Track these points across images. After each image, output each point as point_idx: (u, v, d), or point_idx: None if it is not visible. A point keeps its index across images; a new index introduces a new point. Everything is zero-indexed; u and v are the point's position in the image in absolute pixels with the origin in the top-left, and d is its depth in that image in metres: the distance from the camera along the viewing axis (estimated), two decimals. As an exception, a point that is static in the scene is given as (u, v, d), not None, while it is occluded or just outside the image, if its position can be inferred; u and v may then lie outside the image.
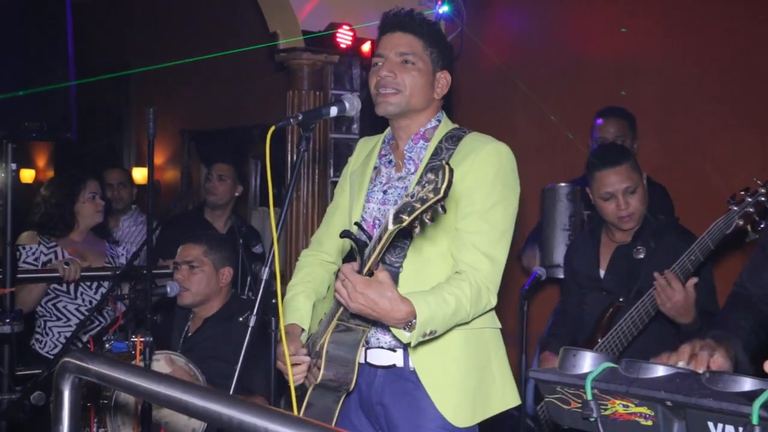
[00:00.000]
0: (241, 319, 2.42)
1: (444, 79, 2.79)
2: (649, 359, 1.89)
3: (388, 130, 2.90)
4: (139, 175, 9.80)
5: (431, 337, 2.49)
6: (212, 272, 3.95)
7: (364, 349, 2.71)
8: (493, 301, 2.63)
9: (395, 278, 2.60)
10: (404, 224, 2.14)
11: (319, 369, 2.60)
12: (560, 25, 5.90)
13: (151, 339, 3.11)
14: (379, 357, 2.72)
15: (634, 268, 3.59)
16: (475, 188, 2.63)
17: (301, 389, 2.71)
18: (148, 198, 3.10)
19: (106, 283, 4.69)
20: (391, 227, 2.18)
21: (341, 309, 2.53)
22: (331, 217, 3.01)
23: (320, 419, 2.62)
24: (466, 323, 2.61)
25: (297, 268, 3.03)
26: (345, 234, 2.38)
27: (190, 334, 3.99)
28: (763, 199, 3.20)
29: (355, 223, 2.59)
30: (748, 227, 3.20)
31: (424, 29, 2.76)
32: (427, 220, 2.13)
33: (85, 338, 4.28)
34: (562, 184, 4.34)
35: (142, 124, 10.22)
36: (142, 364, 3.10)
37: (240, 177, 5.88)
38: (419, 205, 2.10)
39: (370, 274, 2.36)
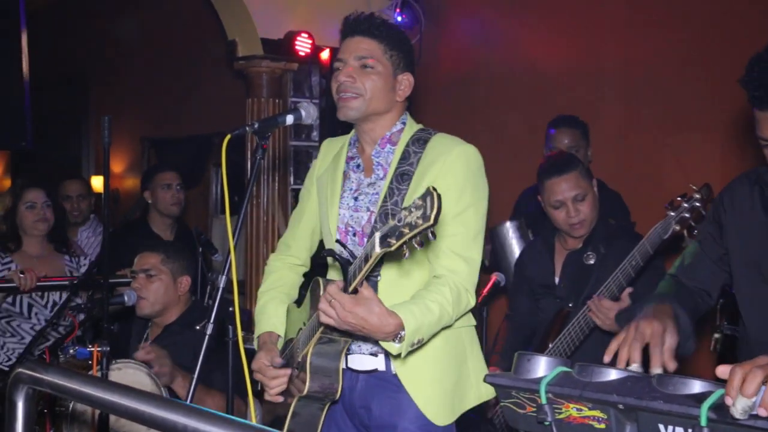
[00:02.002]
0: (198, 327, 2.42)
1: (406, 81, 2.78)
2: (597, 362, 1.92)
3: (353, 132, 2.90)
4: (99, 183, 9.72)
5: (418, 346, 2.50)
6: (170, 281, 3.92)
7: (345, 355, 2.71)
8: (472, 302, 2.66)
9: (374, 288, 2.60)
10: (392, 248, 2.15)
11: (302, 381, 2.61)
12: (518, 32, 5.96)
13: (108, 348, 3.09)
14: (361, 362, 2.74)
15: (585, 273, 3.65)
16: (447, 192, 2.57)
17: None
18: (104, 206, 3.08)
19: (60, 302, 4.59)
20: (378, 250, 2.19)
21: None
22: (298, 220, 3.00)
23: (306, 427, 2.67)
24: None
25: (266, 273, 3.02)
26: (328, 252, 2.41)
27: (149, 343, 3.96)
28: (698, 204, 3.28)
29: (336, 241, 2.60)
30: (685, 232, 3.28)
31: (383, 32, 2.75)
32: (416, 245, 2.13)
33: (41, 350, 4.23)
34: (507, 224, 4.42)
35: (100, 131, 10.13)
36: (99, 374, 3.07)
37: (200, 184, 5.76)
38: (407, 231, 2.10)
39: (355, 291, 2.37)
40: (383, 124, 2.77)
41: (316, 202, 2.92)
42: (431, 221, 2.05)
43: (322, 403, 2.67)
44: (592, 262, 3.63)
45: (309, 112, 2.65)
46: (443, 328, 2.62)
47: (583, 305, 3.51)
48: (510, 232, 4.43)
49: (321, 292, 2.58)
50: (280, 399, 2.69)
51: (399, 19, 6.28)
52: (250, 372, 2.62)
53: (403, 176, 2.69)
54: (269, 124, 2.57)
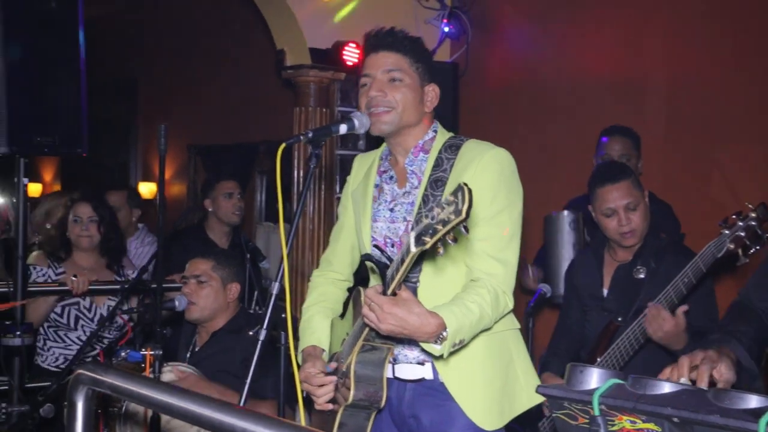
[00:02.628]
0: (251, 332, 2.44)
1: (432, 92, 2.82)
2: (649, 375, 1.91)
3: (384, 146, 2.93)
4: (146, 190, 9.86)
5: (460, 347, 2.52)
6: (220, 287, 3.97)
7: (391, 365, 2.74)
8: (510, 304, 2.67)
9: (413, 293, 2.60)
10: (427, 246, 2.16)
11: (348, 389, 2.63)
12: (564, 43, 5.93)
13: (161, 352, 3.13)
14: (408, 371, 2.75)
15: (634, 287, 3.60)
16: (480, 195, 2.59)
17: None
18: (159, 213, 3.13)
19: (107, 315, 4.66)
20: (413, 249, 2.20)
21: (366, 330, 2.54)
22: (338, 236, 3.03)
23: None
24: (488, 328, 2.65)
25: (309, 288, 3.05)
26: (365, 257, 2.42)
27: (197, 349, 4.01)
28: (753, 223, 3.21)
29: (374, 246, 2.62)
30: (739, 251, 3.22)
31: (407, 45, 2.79)
32: (450, 241, 2.14)
33: (93, 353, 4.30)
34: (565, 213, 4.37)
35: (149, 139, 10.27)
36: (151, 376, 3.12)
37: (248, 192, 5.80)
38: (441, 227, 2.11)
39: (393, 294, 2.38)
40: (415, 135, 2.80)
41: (353, 218, 2.95)
42: (463, 215, 2.06)
43: (368, 412, 2.68)
44: (642, 276, 3.58)
45: (362, 122, 2.66)
46: (484, 332, 2.63)
47: (633, 320, 3.48)
48: (566, 222, 4.38)
49: (362, 301, 2.59)
50: (330, 407, 2.69)
51: (446, 29, 6.30)
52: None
53: (437, 182, 2.71)
54: (323, 134, 2.58)
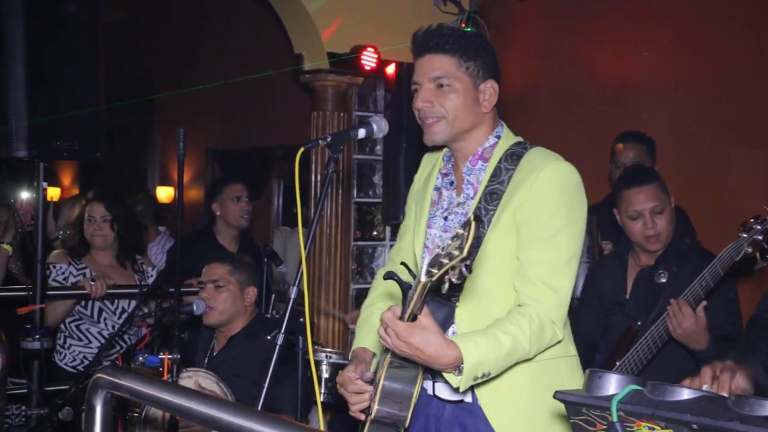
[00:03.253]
0: (269, 337, 2.43)
1: (490, 89, 2.60)
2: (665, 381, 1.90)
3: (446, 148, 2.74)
4: (164, 194, 9.90)
5: (485, 380, 2.36)
6: (237, 291, 3.98)
7: (432, 381, 2.59)
8: (559, 335, 2.46)
9: (450, 314, 2.50)
10: (433, 279, 2.04)
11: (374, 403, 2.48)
12: (582, 48, 5.92)
13: (179, 356, 3.14)
14: (448, 392, 2.56)
15: (655, 292, 3.59)
16: (536, 214, 2.46)
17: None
18: (178, 217, 3.14)
19: (129, 310, 4.68)
20: (423, 279, 2.07)
21: None
22: (402, 235, 2.85)
23: None
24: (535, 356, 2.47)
25: (373, 286, 2.91)
26: (388, 276, 2.27)
27: (215, 354, 4.02)
28: None
29: (402, 263, 2.45)
30: (757, 255, 3.21)
31: (454, 45, 2.55)
32: (454, 280, 2.01)
33: (111, 356, 4.31)
34: None
35: (166, 143, 10.31)
36: (169, 380, 3.12)
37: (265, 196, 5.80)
38: (447, 261, 1.99)
39: (413, 318, 2.23)
40: (475, 140, 2.61)
41: (413, 219, 2.78)
42: (464, 254, 1.93)
43: (396, 429, 2.50)
44: (663, 280, 3.58)
45: (380, 126, 2.62)
46: (531, 359, 2.45)
47: (652, 324, 3.47)
48: None
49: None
50: (362, 417, 2.54)
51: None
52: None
53: (492, 195, 2.52)
54: (342, 138, 2.55)
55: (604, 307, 3.82)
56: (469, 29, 6.18)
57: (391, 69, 6.08)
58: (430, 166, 2.80)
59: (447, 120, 2.55)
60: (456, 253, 1.96)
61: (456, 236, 1.99)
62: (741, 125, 4.97)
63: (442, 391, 2.59)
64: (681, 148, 5.17)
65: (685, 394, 1.82)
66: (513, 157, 2.57)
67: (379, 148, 6.40)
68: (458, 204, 2.62)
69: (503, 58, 6.32)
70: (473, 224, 1.95)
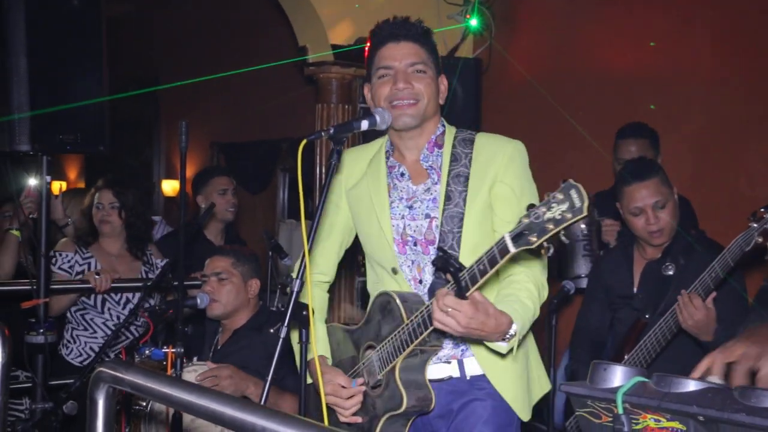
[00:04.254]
0: (272, 330, 2.43)
1: (443, 84, 2.80)
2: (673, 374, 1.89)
3: (384, 142, 2.86)
4: (169, 187, 9.90)
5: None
6: (241, 284, 3.97)
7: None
8: (545, 295, 2.67)
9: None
10: (533, 245, 2.15)
11: (390, 399, 2.60)
12: (587, 38, 5.90)
13: (183, 350, 3.13)
14: (436, 371, 2.71)
15: (663, 285, 3.57)
16: (512, 189, 2.64)
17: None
18: (181, 210, 3.13)
19: (134, 300, 4.70)
20: (513, 249, 2.20)
21: (424, 335, 2.50)
22: (327, 235, 2.91)
23: None
24: None
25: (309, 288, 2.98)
26: (441, 261, 2.34)
27: (219, 347, 4.02)
28: None
29: (438, 248, 2.57)
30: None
31: (426, 37, 2.76)
32: (564, 239, 2.15)
33: (116, 349, 4.32)
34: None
35: (171, 136, 10.31)
36: (173, 374, 3.12)
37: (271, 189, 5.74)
38: (552, 226, 2.11)
39: (463, 296, 2.35)
40: (429, 129, 2.76)
41: (347, 216, 2.88)
42: (584, 212, 2.06)
43: (407, 417, 2.65)
44: (671, 273, 3.56)
45: (384, 118, 2.63)
46: None
47: (660, 317, 3.45)
48: (578, 229, 4.35)
49: (399, 307, 2.57)
50: (359, 419, 2.67)
51: (472, 23, 6.26)
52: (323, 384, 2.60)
53: (458, 177, 2.67)
54: (345, 129, 2.54)
55: (610, 302, 3.80)
56: (473, 20, 6.17)
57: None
58: (362, 162, 2.87)
59: (422, 103, 2.69)
60: (569, 215, 2.08)
61: (554, 201, 2.11)
62: (749, 115, 4.94)
63: (430, 372, 2.70)
64: (688, 138, 5.14)
65: (691, 385, 1.81)
66: (465, 142, 2.74)
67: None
68: (424, 191, 2.73)
69: (508, 48, 6.35)
70: (580, 185, 2.08)
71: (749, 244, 3.23)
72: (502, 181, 2.65)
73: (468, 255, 2.58)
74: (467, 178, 2.66)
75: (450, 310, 2.34)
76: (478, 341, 2.54)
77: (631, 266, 3.74)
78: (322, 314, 2.94)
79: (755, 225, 3.22)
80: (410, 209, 2.73)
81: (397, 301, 2.59)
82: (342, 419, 2.67)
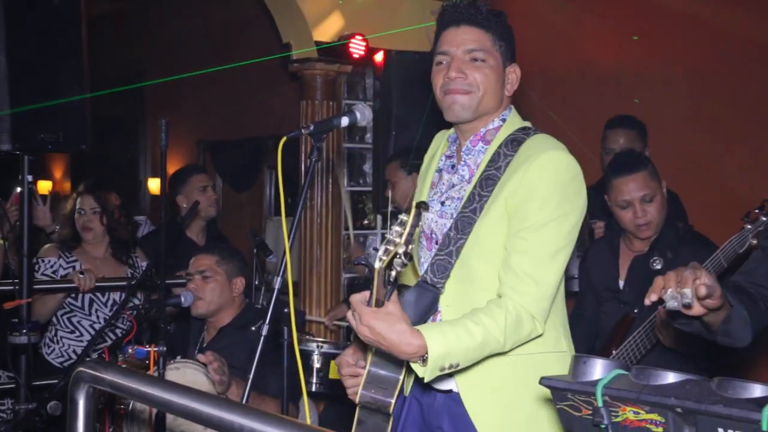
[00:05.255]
0: (253, 328, 2.43)
1: (514, 74, 2.57)
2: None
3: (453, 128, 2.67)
4: (155, 185, 9.88)
5: (455, 370, 2.31)
6: (225, 282, 3.97)
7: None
8: (539, 329, 2.38)
9: (434, 300, 2.45)
10: (383, 266, 2.03)
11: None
12: (576, 33, 5.91)
13: (165, 349, 3.13)
14: (438, 380, 2.44)
15: (651, 279, 3.54)
16: (526, 203, 2.37)
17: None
18: (162, 209, 3.13)
19: (120, 301, 4.67)
20: (376, 265, 2.07)
21: None
22: None
23: None
24: (515, 349, 2.40)
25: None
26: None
27: (204, 344, 4.01)
28: None
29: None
30: None
31: (492, 21, 2.52)
32: (398, 268, 2.00)
33: (99, 349, 4.31)
34: None
35: (157, 134, 10.22)
36: (156, 373, 3.12)
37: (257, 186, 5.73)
38: (392, 248, 1.99)
39: (381, 304, 2.18)
40: (485, 121, 2.54)
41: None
42: (401, 241, 1.93)
43: (384, 414, 2.47)
44: (658, 267, 3.52)
45: (364, 114, 2.60)
46: (511, 352, 2.39)
47: (649, 312, 3.43)
48: None
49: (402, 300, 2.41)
50: (357, 399, 2.49)
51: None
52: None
53: (488, 181, 2.45)
54: (324, 127, 2.53)
55: (596, 294, 3.80)
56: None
57: (379, 57, 6.05)
58: (437, 145, 2.72)
59: (477, 95, 2.48)
60: (397, 240, 1.95)
61: (400, 222, 1.97)
62: (734, 109, 4.95)
63: (434, 380, 2.50)
64: (673, 132, 5.15)
65: (669, 378, 1.82)
66: (514, 142, 2.49)
67: (369, 136, 6.39)
68: (452, 186, 2.55)
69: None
70: (414, 211, 1.94)
71: (743, 246, 3.18)
72: (518, 192, 2.40)
73: (461, 267, 2.45)
74: (496, 183, 2.43)
75: (354, 312, 2.22)
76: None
77: (617, 259, 3.74)
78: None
79: (749, 227, 3.17)
80: (442, 205, 2.55)
81: (404, 294, 2.47)
82: (348, 395, 2.54)
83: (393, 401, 2.39)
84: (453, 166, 2.59)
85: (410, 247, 1.97)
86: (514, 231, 2.39)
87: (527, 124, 2.59)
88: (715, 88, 5.08)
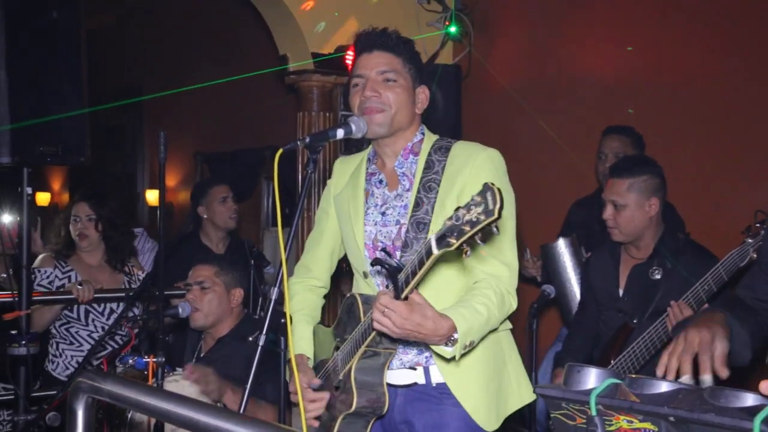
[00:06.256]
0: (250, 338, 2.45)
1: (423, 94, 2.81)
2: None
3: (369, 149, 2.91)
4: (153, 197, 9.89)
5: (470, 348, 2.50)
6: (223, 293, 3.98)
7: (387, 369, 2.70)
8: (514, 305, 2.65)
9: None
10: (452, 247, 2.13)
11: (348, 398, 2.60)
12: (567, 45, 5.93)
13: (164, 359, 3.14)
14: (401, 377, 2.72)
15: (650, 288, 3.55)
16: None
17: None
18: (160, 220, 3.14)
19: (118, 311, 4.69)
20: (436, 251, 2.17)
21: (372, 335, 2.51)
22: (317, 242, 3.00)
23: None
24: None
25: (288, 296, 3.01)
26: (376, 262, 2.36)
27: (202, 355, 4.02)
28: None
29: (382, 249, 2.59)
30: None
31: (400, 46, 2.78)
32: (479, 242, 2.12)
33: (99, 359, 4.31)
34: (560, 241, 4.36)
35: (155, 146, 10.28)
36: (154, 384, 3.13)
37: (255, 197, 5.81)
38: (469, 228, 2.08)
39: (405, 298, 2.34)
40: (405, 137, 2.78)
41: (336, 223, 2.93)
42: (495, 215, 2.04)
43: (366, 419, 2.65)
44: (658, 277, 3.55)
45: (359, 126, 2.65)
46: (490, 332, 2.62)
47: (648, 322, 3.43)
48: (563, 249, 4.39)
49: (360, 308, 2.59)
50: (316, 424, 2.68)
51: (451, 30, 6.30)
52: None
53: (429, 185, 2.69)
54: (320, 139, 2.57)
55: (597, 301, 3.81)
56: (452, 27, 6.20)
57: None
58: (349, 170, 2.96)
59: (389, 112, 2.71)
60: (483, 217, 2.05)
61: (473, 203, 2.08)
62: (727, 120, 4.97)
63: (394, 378, 2.72)
64: (666, 143, 5.17)
65: (663, 387, 1.83)
66: (441, 150, 2.75)
67: (366, 146, 6.40)
68: (396, 197, 2.76)
69: (487, 55, 6.38)
70: (496, 188, 2.05)
71: (744, 259, 3.21)
72: (468, 188, 2.62)
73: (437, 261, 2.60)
74: (438, 185, 2.68)
75: (386, 310, 2.34)
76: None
77: (617, 266, 3.75)
78: (312, 317, 2.96)
79: (750, 240, 3.20)
80: (383, 216, 2.76)
81: (359, 301, 2.61)
82: (306, 422, 2.66)
83: (386, 399, 2.61)
84: (381, 181, 2.81)
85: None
86: None
87: (437, 136, 2.85)
88: (706, 97, 5.11)
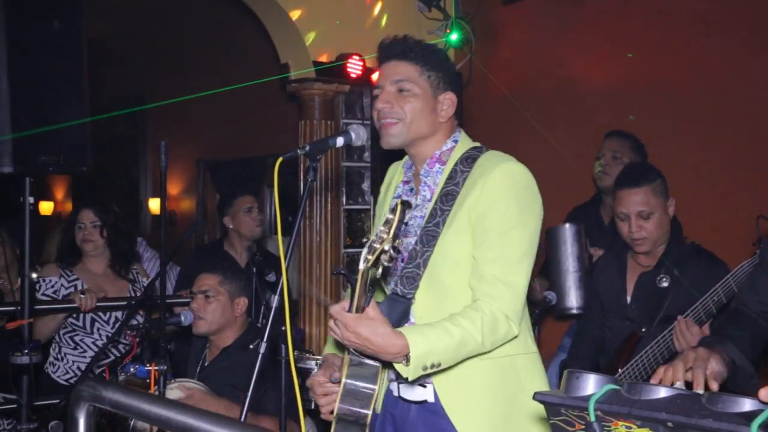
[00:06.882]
0: (252, 346, 2.45)
1: (448, 100, 2.70)
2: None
3: (407, 156, 2.82)
4: (156, 205, 9.90)
5: (436, 370, 2.41)
6: (227, 302, 3.99)
7: (397, 383, 2.65)
8: (515, 330, 2.50)
9: (406, 311, 2.55)
10: (369, 265, 2.12)
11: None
12: (567, 51, 5.95)
13: (165, 367, 3.15)
14: (411, 392, 2.63)
15: (658, 297, 3.53)
16: (488, 213, 2.52)
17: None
18: (162, 228, 3.16)
19: (122, 320, 4.70)
20: (361, 267, 2.16)
21: None
22: None
23: None
24: (488, 353, 2.52)
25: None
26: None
27: (206, 364, 4.03)
28: None
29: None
30: None
31: (418, 53, 2.68)
32: (384, 263, 2.08)
33: (101, 367, 4.32)
34: (567, 225, 4.32)
35: (157, 155, 10.29)
36: (156, 392, 3.13)
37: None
38: (378, 245, 2.08)
39: (361, 311, 2.30)
40: (432, 145, 2.69)
41: None
42: (390, 235, 2.03)
43: (360, 426, 2.53)
44: (665, 285, 3.52)
45: (359, 134, 2.64)
46: (487, 355, 2.51)
47: (656, 330, 3.41)
48: (568, 234, 4.36)
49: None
50: (332, 418, 2.56)
51: (452, 38, 6.31)
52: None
53: (447, 196, 2.60)
54: (320, 147, 2.56)
55: (603, 307, 3.78)
56: (453, 35, 6.21)
57: (376, 76, 6.07)
58: (392, 175, 2.91)
59: (404, 123, 2.64)
60: (384, 236, 2.04)
61: (386, 222, 2.08)
62: (728, 127, 4.98)
63: (407, 392, 2.65)
64: (666, 149, 5.18)
65: (661, 392, 1.83)
66: (468, 160, 2.65)
67: (367, 155, 6.42)
68: (416, 206, 2.68)
69: (487, 62, 6.40)
70: (399, 207, 2.04)
71: None
72: (479, 204, 2.54)
73: (429, 277, 2.57)
74: (455, 198, 2.59)
75: (336, 320, 2.32)
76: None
77: (624, 273, 3.71)
78: None
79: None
80: (405, 225, 2.63)
81: (373, 300, 2.57)
82: (321, 416, 2.64)
83: (369, 413, 2.48)
84: (411, 190, 2.74)
85: (397, 242, 2.09)
86: (480, 240, 2.53)
87: (477, 144, 2.74)
88: (707, 103, 5.11)
